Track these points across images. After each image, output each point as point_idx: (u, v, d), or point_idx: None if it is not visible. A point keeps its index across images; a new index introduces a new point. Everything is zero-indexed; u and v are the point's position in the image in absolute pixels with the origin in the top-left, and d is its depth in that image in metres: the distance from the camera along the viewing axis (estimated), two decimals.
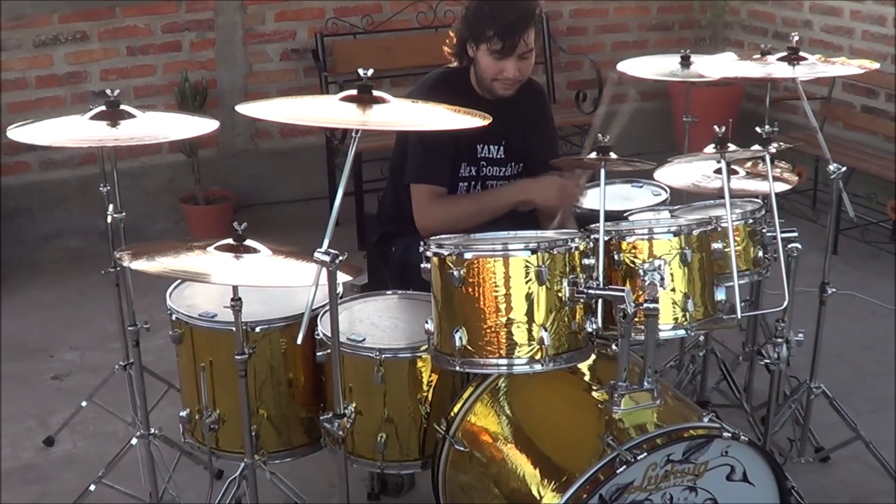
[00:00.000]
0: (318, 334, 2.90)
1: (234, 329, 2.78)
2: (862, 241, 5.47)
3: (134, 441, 3.29)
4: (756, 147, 3.10)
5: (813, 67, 3.21)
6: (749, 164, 3.53)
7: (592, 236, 2.65)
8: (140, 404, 3.27)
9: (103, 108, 2.84)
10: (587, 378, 2.80)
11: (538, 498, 2.48)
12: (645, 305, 2.48)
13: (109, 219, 3.19)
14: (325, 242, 2.36)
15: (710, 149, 2.97)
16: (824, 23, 6.32)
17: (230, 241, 2.70)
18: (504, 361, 2.56)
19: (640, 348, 2.60)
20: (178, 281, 3.15)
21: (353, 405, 2.78)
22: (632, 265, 2.65)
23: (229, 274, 2.66)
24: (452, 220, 3.24)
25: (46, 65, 5.63)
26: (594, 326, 2.61)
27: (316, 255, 2.34)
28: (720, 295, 2.78)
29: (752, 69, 3.36)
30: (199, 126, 2.91)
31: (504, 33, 3.21)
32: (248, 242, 2.71)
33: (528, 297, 2.52)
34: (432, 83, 3.41)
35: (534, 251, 2.52)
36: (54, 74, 5.65)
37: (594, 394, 2.70)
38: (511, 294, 2.52)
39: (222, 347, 2.92)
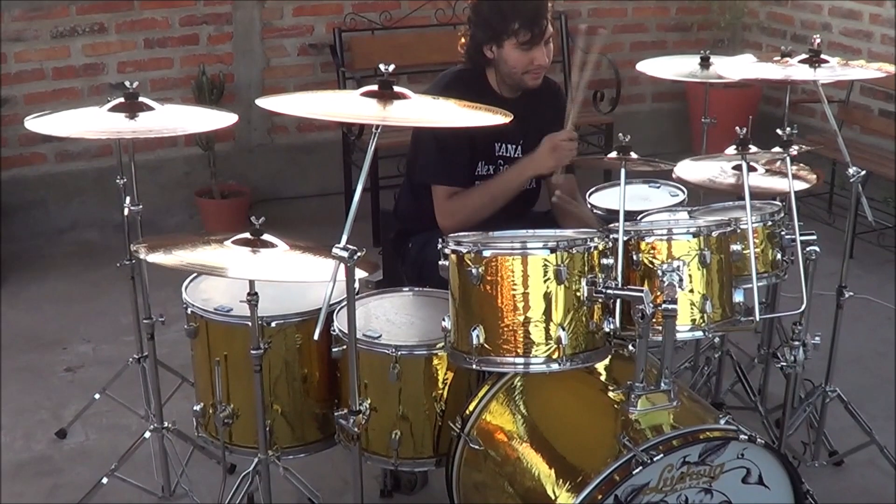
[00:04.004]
0: (333, 330, 2.90)
1: (249, 324, 2.77)
2: (877, 245, 5.44)
3: (147, 434, 3.30)
4: (777, 149, 3.09)
5: (834, 70, 3.18)
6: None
7: (611, 236, 2.64)
8: (154, 398, 3.28)
9: (122, 99, 2.84)
10: (603, 378, 2.79)
11: (553, 498, 2.47)
12: (663, 306, 2.47)
13: (126, 211, 3.17)
14: (344, 238, 2.35)
15: (731, 150, 2.95)
16: (843, 26, 6.28)
17: (247, 235, 2.70)
18: (521, 360, 2.55)
19: (657, 349, 2.59)
20: (194, 274, 3.15)
21: (368, 402, 2.78)
22: (650, 266, 2.64)
23: (246, 268, 2.66)
24: (470, 214, 3.26)
25: (63, 56, 5.63)
26: (612, 327, 2.60)
27: (334, 250, 2.33)
28: (738, 297, 2.77)
29: (772, 71, 3.35)
30: (218, 119, 2.92)
31: (531, 23, 3.22)
32: (266, 237, 2.70)
33: (546, 296, 2.51)
34: (448, 81, 3.39)
35: (553, 250, 2.51)
36: (71, 66, 5.66)
37: (610, 394, 2.69)
38: (529, 293, 2.51)
39: (237, 342, 2.92)
